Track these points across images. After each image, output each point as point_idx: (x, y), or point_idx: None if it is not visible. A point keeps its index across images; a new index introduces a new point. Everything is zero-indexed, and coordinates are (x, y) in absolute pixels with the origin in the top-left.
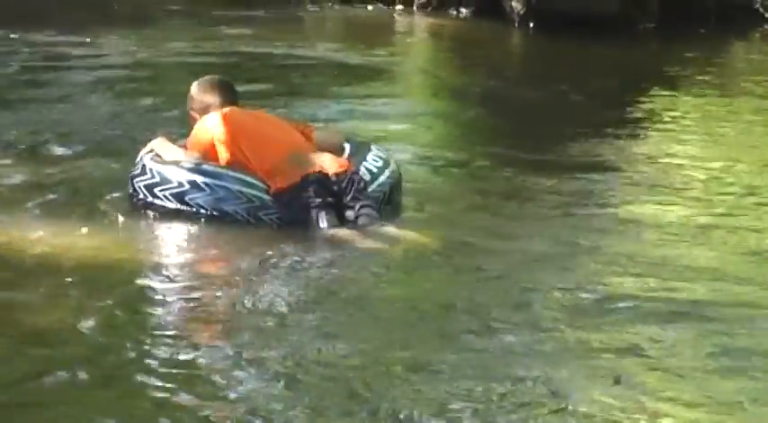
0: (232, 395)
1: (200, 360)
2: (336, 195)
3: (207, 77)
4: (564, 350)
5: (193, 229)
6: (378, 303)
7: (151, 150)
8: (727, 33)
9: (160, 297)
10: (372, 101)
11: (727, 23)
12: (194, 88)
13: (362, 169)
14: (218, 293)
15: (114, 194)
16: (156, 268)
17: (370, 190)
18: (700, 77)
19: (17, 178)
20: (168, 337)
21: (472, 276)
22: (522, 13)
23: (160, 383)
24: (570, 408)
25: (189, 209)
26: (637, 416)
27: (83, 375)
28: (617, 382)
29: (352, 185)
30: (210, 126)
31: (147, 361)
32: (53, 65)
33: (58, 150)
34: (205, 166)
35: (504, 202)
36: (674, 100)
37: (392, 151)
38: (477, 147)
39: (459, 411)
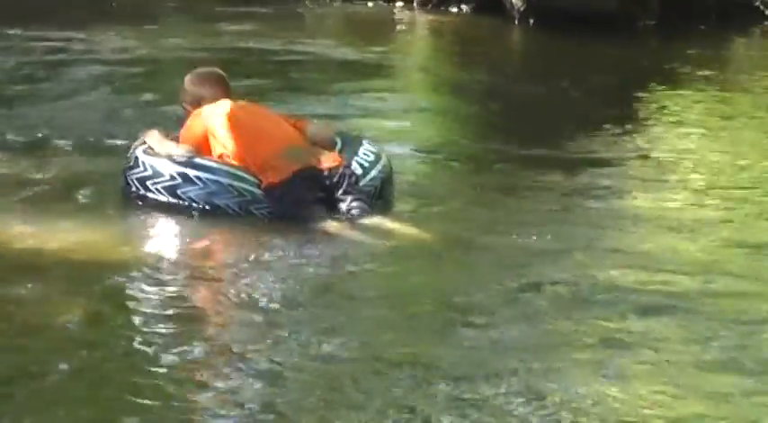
0: (220, 390)
1: (190, 355)
2: (328, 190)
3: (200, 70)
4: (559, 344)
5: (185, 223)
6: (370, 298)
7: (144, 143)
8: (727, 30)
9: (150, 292)
10: (371, 96)
11: (727, 20)
12: (187, 81)
13: (354, 163)
14: (209, 288)
15: (109, 189)
16: (147, 263)
17: (361, 184)
18: (699, 74)
19: (11, 173)
20: (158, 331)
21: (466, 270)
22: (522, 9)
23: (149, 378)
24: (565, 400)
25: (181, 202)
26: (630, 409)
27: (70, 369)
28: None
29: (344, 180)
30: (203, 119)
31: (136, 356)
32: (51, 61)
33: (54, 146)
34: (197, 160)
35: (500, 197)
36: (673, 96)
37: (390, 146)
38: (476, 142)
39: (452, 407)
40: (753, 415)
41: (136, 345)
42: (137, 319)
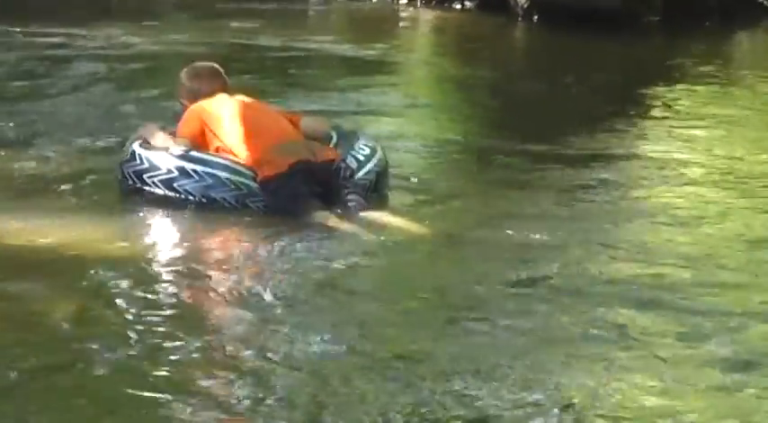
0: (215, 388)
1: (185, 352)
2: (324, 183)
3: (196, 64)
4: (555, 338)
5: (182, 218)
6: (365, 293)
7: (140, 137)
8: (731, 26)
9: (145, 288)
10: (373, 92)
11: (731, 17)
12: (184, 75)
13: (349, 157)
14: (205, 285)
15: (108, 185)
16: (143, 259)
17: (356, 177)
18: (703, 70)
19: (9, 169)
20: (153, 328)
21: (462, 264)
22: (525, 6)
23: (143, 374)
24: (560, 395)
25: (177, 195)
26: (626, 402)
27: (67, 365)
28: None
29: (339, 173)
30: (200, 113)
31: (138, 352)
32: (51, 57)
33: (53, 141)
34: (194, 153)
35: (500, 192)
36: (677, 92)
37: (390, 141)
38: (477, 138)
39: (447, 403)
40: (747, 408)
41: (130, 341)
42: (131, 316)
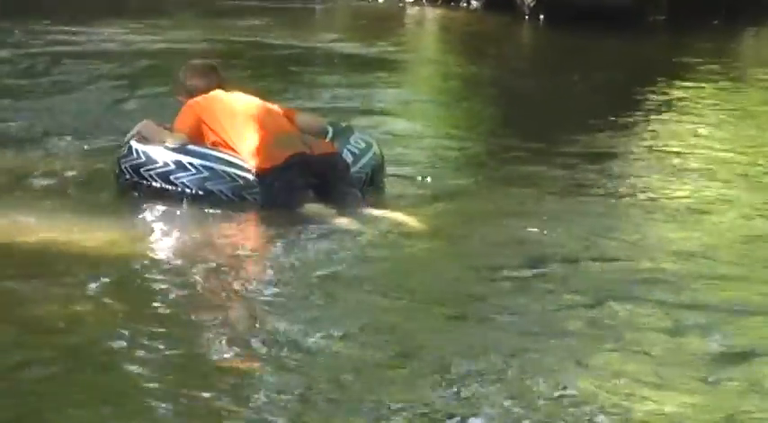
0: (222, 383)
1: (191, 347)
2: (319, 176)
3: (194, 61)
4: (550, 333)
5: (178, 213)
6: (360, 287)
7: (137, 133)
8: (737, 24)
9: (142, 285)
10: (379, 90)
11: (737, 15)
12: (181, 72)
13: (345, 151)
14: (206, 279)
15: (110, 182)
16: (141, 256)
17: (352, 171)
18: (709, 68)
19: (12, 166)
20: (158, 323)
21: (456, 259)
22: (532, 5)
23: (151, 371)
24: (553, 390)
25: (174, 188)
26: (618, 397)
27: (71, 363)
28: None
29: (335, 166)
30: (196, 108)
31: (137, 348)
32: (55, 55)
33: (56, 139)
34: (190, 147)
35: (501, 189)
36: (682, 90)
37: (395, 138)
38: (481, 135)
39: (447, 397)
40: (736, 403)
41: (137, 336)
42: (137, 312)
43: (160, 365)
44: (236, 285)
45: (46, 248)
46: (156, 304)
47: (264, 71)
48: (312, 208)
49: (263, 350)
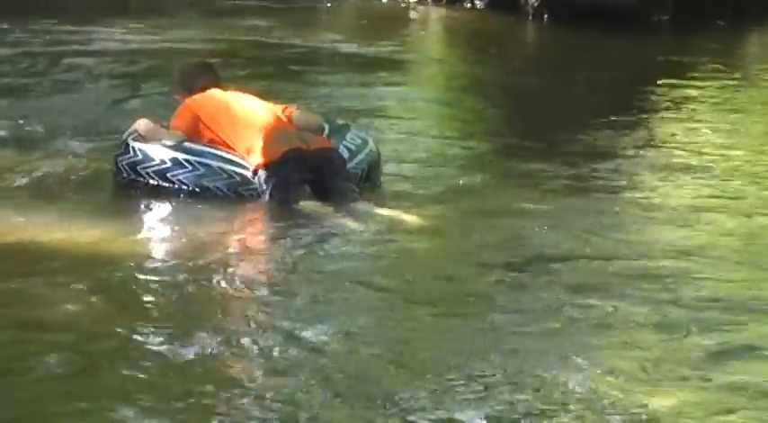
0: (220, 381)
1: (181, 347)
2: (316, 172)
3: (189, 61)
4: (547, 331)
5: (175, 211)
6: (356, 283)
7: (134, 131)
8: (743, 25)
9: (144, 282)
10: (382, 89)
11: (743, 15)
12: (178, 71)
13: (341, 147)
14: (203, 277)
15: (105, 179)
16: (141, 253)
17: (349, 167)
18: (713, 68)
19: (11, 165)
20: (150, 323)
21: (453, 255)
22: (535, 5)
23: (147, 370)
24: (551, 387)
25: (171, 186)
26: (616, 396)
27: (67, 361)
28: None
29: (332, 162)
30: (193, 106)
31: (134, 347)
32: (57, 53)
33: (56, 137)
34: (186, 144)
35: (501, 187)
36: (686, 90)
37: (397, 136)
38: (483, 133)
39: (442, 395)
40: (732, 400)
41: (135, 335)
42: (135, 310)
43: (157, 364)
44: (234, 283)
45: (43, 247)
46: (153, 303)
47: (265, 70)
48: (308, 205)
49: (259, 349)
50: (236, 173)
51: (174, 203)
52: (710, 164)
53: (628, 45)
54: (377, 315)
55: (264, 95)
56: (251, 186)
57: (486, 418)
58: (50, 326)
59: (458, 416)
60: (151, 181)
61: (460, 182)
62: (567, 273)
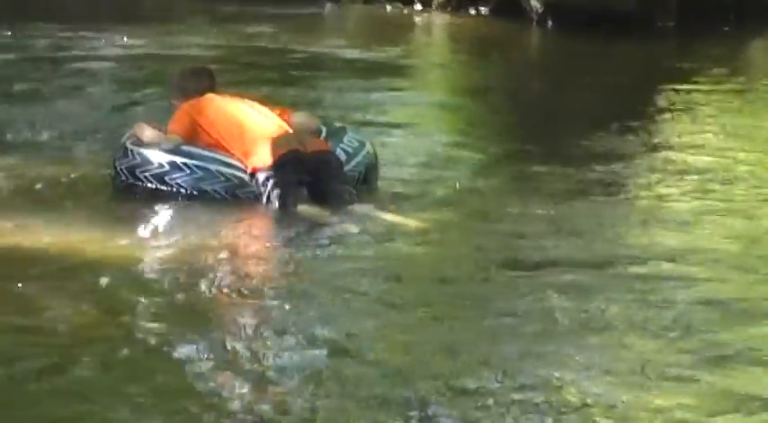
0: (216, 384)
1: (185, 350)
2: (313, 174)
3: (188, 66)
4: (544, 332)
5: (174, 213)
6: (353, 286)
7: (133, 135)
8: (747, 30)
9: (142, 287)
10: (386, 94)
11: (747, 20)
12: (175, 76)
13: (338, 150)
14: (201, 282)
15: (106, 184)
16: (139, 257)
17: (346, 169)
18: (717, 73)
19: (11, 170)
20: (149, 327)
21: (449, 259)
22: (540, 11)
23: (146, 374)
24: (547, 388)
25: (169, 189)
26: (604, 399)
27: (73, 366)
28: None
29: (329, 164)
30: (191, 110)
31: (135, 352)
32: (60, 59)
33: (56, 142)
34: (184, 147)
35: (501, 189)
36: (690, 95)
37: (400, 140)
38: (486, 138)
39: (437, 399)
40: (720, 404)
41: (128, 343)
42: (128, 316)
43: (153, 368)
44: (232, 287)
45: (42, 250)
46: (150, 307)
47: (266, 76)
48: (306, 208)
49: (256, 354)
50: (233, 176)
51: (172, 207)
52: (714, 168)
53: (632, 51)
54: (374, 318)
55: (263, 100)
56: (248, 189)
57: (489, 419)
58: (51, 331)
59: (459, 417)
60: (149, 184)
61: (460, 185)
62: (567, 276)
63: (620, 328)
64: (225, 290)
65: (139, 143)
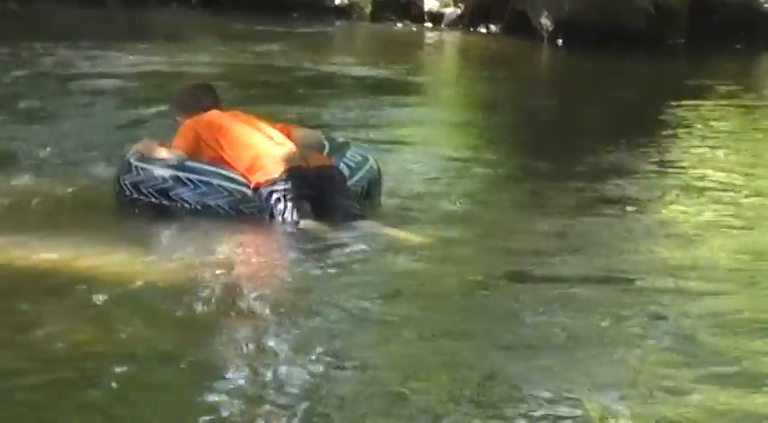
0: (220, 402)
1: (188, 367)
2: (316, 189)
3: (190, 83)
4: (554, 346)
5: (177, 228)
6: (356, 302)
7: (137, 151)
8: (758, 47)
9: (146, 304)
10: (392, 109)
11: (757, 37)
12: (178, 94)
13: (342, 164)
14: (204, 299)
15: (110, 200)
16: (143, 274)
17: (349, 184)
18: (728, 90)
19: (15, 187)
20: (157, 343)
21: (452, 274)
22: (550, 29)
23: (149, 392)
24: (558, 400)
25: (173, 204)
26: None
27: (75, 385)
28: None
29: (332, 179)
30: (194, 126)
31: (138, 370)
32: (70, 76)
33: (61, 158)
34: (188, 163)
35: (507, 205)
36: (700, 111)
37: (408, 156)
38: (495, 155)
39: (453, 411)
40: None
41: (128, 362)
42: (130, 335)
43: (155, 384)
44: (233, 303)
45: (47, 269)
46: (151, 323)
47: (273, 93)
48: (309, 223)
49: (259, 371)
50: (237, 191)
51: (176, 222)
52: (722, 185)
53: (643, 68)
54: (377, 334)
55: (266, 116)
56: (252, 204)
57: None
58: (54, 349)
59: None
60: (153, 199)
61: (462, 201)
62: (572, 291)
63: (626, 343)
64: (226, 306)
65: (143, 159)
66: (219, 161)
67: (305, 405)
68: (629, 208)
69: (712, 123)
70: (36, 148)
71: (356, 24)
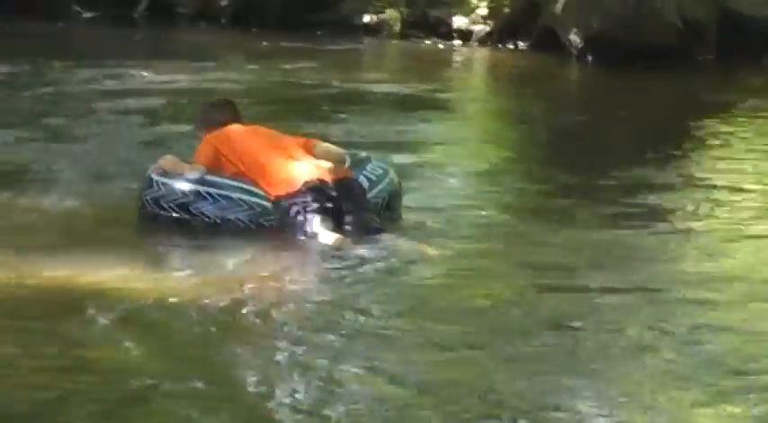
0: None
1: (208, 385)
2: (336, 202)
3: (211, 99)
4: (577, 361)
5: (197, 243)
6: (375, 315)
7: (158, 167)
8: None
9: (164, 319)
10: (419, 125)
11: None
12: (200, 110)
13: (361, 177)
14: (223, 313)
15: (132, 215)
16: (162, 289)
17: (369, 196)
18: (757, 105)
19: (35, 203)
20: (184, 360)
21: (472, 288)
22: (580, 46)
23: (164, 409)
24: (574, 412)
25: (193, 218)
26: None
27: (89, 402)
28: None
29: (351, 191)
30: (214, 141)
31: (154, 387)
32: (94, 93)
33: (85, 176)
34: (207, 177)
35: (531, 219)
36: (730, 127)
37: (436, 170)
38: (523, 170)
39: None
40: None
41: (143, 379)
42: (157, 350)
43: (173, 404)
44: (252, 317)
45: (70, 286)
46: (179, 341)
47: (298, 109)
48: (328, 237)
49: (283, 385)
50: (256, 204)
51: (194, 237)
52: (753, 198)
53: (673, 84)
54: (395, 350)
55: (287, 130)
56: (272, 217)
57: None
58: (69, 366)
59: None
60: (174, 214)
61: (493, 214)
62: (594, 304)
63: (653, 357)
64: (244, 319)
65: (164, 174)
66: (239, 175)
67: (315, 420)
68: (657, 221)
69: (742, 137)
70: (60, 166)
71: (385, 42)
